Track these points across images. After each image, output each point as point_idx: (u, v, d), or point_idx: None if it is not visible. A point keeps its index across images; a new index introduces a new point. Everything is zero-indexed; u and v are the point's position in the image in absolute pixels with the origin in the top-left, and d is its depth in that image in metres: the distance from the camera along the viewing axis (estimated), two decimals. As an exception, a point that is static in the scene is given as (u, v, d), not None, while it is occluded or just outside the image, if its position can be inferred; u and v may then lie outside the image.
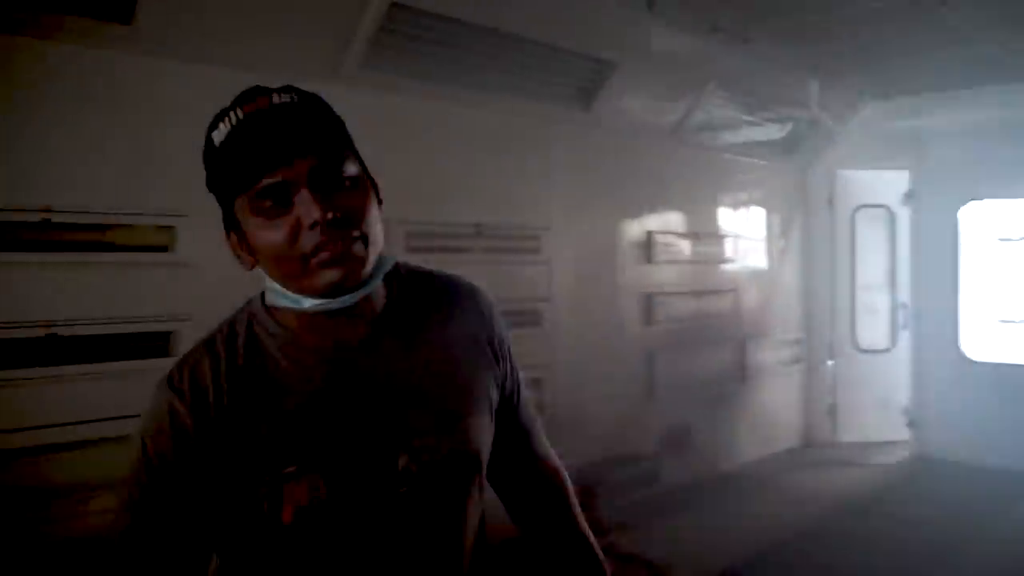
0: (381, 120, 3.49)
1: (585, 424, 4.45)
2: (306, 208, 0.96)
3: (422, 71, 3.71)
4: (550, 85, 4.30)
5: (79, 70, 2.82)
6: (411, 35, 3.56)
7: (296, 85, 1.05)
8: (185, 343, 3.04)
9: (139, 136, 2.97)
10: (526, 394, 1.26)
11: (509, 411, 1.22)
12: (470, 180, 4.08)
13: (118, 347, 2.94)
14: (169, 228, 3.05)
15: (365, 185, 1.04)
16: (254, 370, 1.03)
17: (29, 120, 2.74)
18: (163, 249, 3.06)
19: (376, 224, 1.03)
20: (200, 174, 1.05)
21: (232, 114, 0.99)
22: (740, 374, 5.92)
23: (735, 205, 5.98)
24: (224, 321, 1.09)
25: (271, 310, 1.06)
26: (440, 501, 1.08)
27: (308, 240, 0.96)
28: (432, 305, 1.14)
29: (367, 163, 1.08)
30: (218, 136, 0.99)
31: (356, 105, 1.31)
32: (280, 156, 0.95)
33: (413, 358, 1.08)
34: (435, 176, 3.88)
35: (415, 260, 1.19)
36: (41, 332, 2.75)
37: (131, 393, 2.90)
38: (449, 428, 1.08)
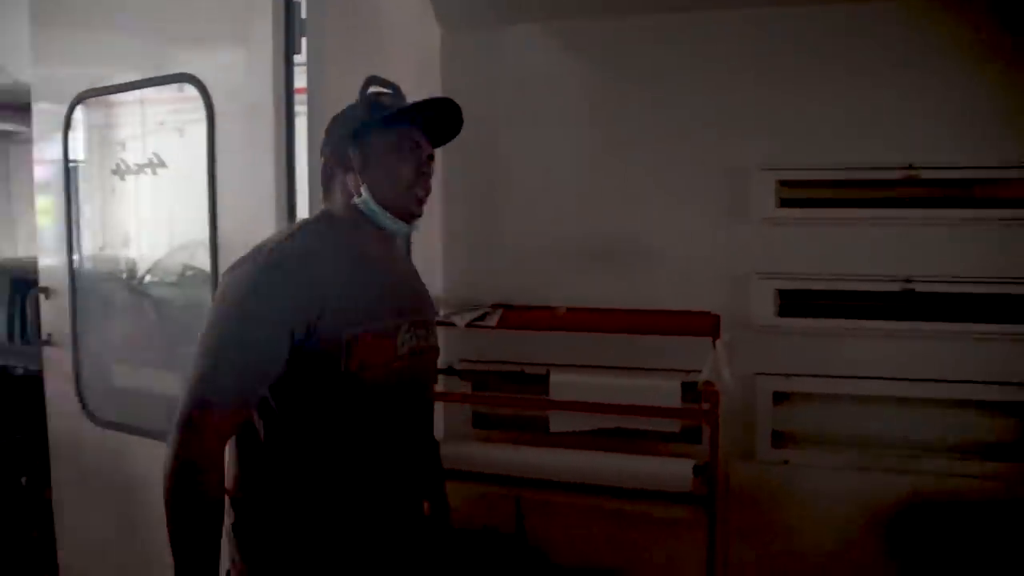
0: None
1: None
2: (424, 154, 1.52)
3: None
4: None
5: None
6: None
7: None
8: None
9: (1006, 87, 2.72)
10: None
11: None
12: None
13: (976, 307, 2.80)
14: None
15: None
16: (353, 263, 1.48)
17: (881, 83, 2.83)
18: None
19: None
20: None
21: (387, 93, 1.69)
22: None
23: None
24: (299, 230, 1.50)
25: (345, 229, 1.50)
26: (427, 371, 1.60)
27: (419, 177, 1.50)
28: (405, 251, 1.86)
29: None
30: (383, 99, 1.55)
31: None
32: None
33: (411, 280, 1.63)
34: None
35: None
36: (897, 287, 2.82)
37: (984, 358, 2.77)
38: (430, 326, 1.60)
